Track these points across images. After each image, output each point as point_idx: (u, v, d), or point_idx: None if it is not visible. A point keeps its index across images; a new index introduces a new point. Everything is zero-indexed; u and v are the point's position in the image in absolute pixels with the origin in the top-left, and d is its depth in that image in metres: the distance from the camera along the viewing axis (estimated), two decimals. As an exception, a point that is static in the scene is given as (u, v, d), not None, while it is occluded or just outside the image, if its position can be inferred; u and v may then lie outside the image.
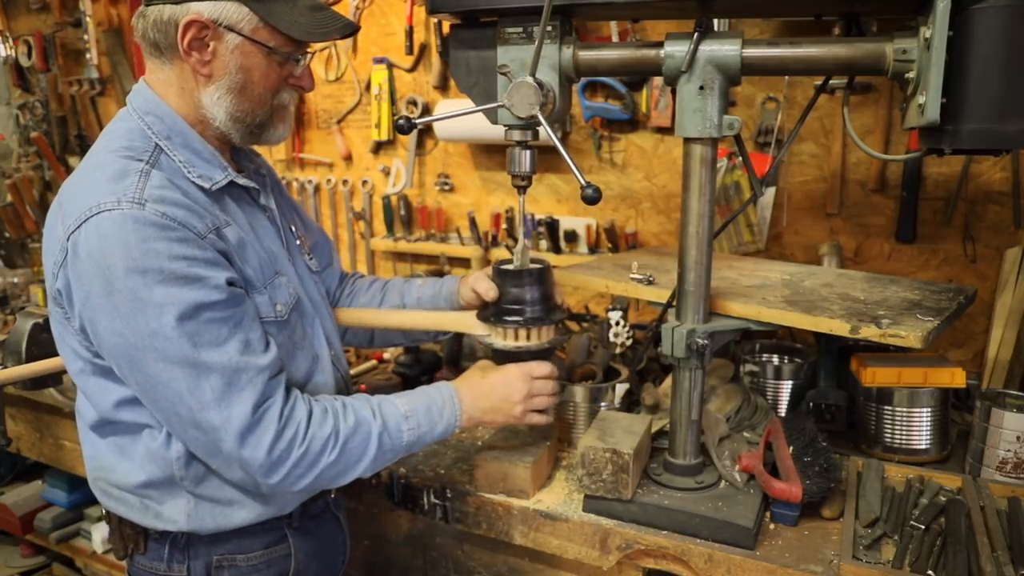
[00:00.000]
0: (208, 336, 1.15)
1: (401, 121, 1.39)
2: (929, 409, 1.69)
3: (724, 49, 1.29)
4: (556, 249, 2.52)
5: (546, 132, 1.35)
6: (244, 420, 1.16)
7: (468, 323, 1.55)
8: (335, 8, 1.36)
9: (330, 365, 1.45)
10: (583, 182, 1.26)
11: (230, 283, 1.20)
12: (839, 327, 1.44)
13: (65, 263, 1.15)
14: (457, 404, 1.40)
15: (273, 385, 1.21)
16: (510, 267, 1.52)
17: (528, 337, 1.48)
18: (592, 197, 1.25)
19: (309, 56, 1.33)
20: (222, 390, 1.15)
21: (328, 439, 1.23)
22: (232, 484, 1.29)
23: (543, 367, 1.47)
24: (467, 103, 1.47)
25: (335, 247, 1.78)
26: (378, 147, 2.90)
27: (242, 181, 1.33)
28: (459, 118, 2.41)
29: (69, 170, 3.74)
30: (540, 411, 1.48)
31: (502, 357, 1.50)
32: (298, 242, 1.51)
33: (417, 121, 1.43)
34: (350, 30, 1.31)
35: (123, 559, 1.41)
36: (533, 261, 1.53)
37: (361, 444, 1.27)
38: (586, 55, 1.40)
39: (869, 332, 1.41)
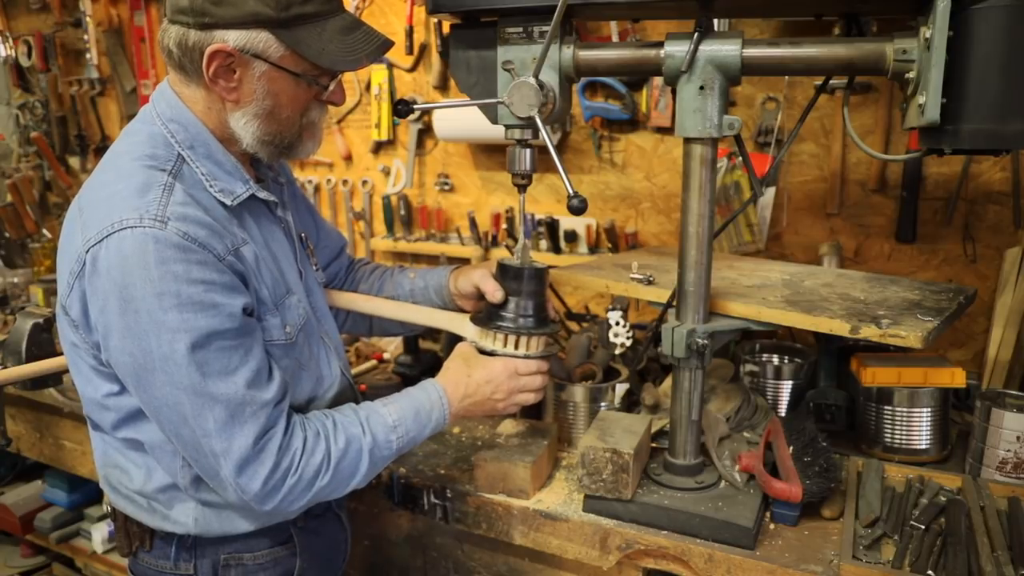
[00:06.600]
0: (217, 365, 1.14)
1: (400, 105, 1.39)
2: (929, 409, 1.69)
3: (724, 49, 1.30)
4: (556, 249, 2.52)
5: (542, 135, 1.35)
6: (244, 452, 1.15)
7: (459, 325, 1.55)
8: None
9: (340, 377, 1.45)
10: (571, 191, 1.25)
11: (244, 310, 1.18)
12: (839, 327, 1.44)
13: (82, 275, 1.14)
14: (445, 405, 1.39)
15: (275, 415, 1.20)
16: (513, 263, 1.50)
17: (517, 346, 1.46)
18: (578, 208, 1.25)
19: (340, 74, 1.29)
20: (224, 421, 1.14)
21: (321, 464, 1.22)
22: None
23: (529, 364, 1.45)
24: (467, 103, 1.48)
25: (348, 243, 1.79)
26: (378, 147, 2.89)
27: (262, 195, 1.31)
28: (459, 119, 2.44)
29: (69, 170, 3.74)
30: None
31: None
32: (308, 252, 1.50)
33: (416, 107, 1.43)
34: (381, 52, 1.27)
35: (127, 556, 1.40)
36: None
37: (352, 462, 1.27)
38: (586, 55, 1.40)
39: (869, 332, 1.41)
